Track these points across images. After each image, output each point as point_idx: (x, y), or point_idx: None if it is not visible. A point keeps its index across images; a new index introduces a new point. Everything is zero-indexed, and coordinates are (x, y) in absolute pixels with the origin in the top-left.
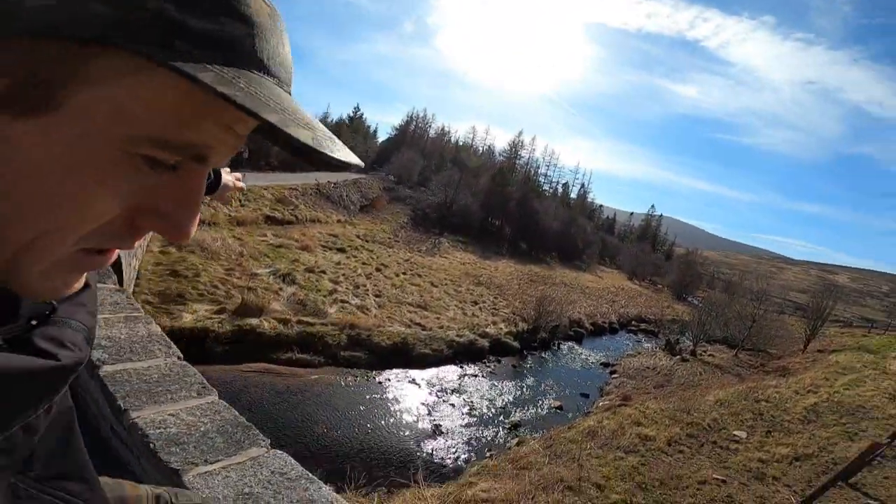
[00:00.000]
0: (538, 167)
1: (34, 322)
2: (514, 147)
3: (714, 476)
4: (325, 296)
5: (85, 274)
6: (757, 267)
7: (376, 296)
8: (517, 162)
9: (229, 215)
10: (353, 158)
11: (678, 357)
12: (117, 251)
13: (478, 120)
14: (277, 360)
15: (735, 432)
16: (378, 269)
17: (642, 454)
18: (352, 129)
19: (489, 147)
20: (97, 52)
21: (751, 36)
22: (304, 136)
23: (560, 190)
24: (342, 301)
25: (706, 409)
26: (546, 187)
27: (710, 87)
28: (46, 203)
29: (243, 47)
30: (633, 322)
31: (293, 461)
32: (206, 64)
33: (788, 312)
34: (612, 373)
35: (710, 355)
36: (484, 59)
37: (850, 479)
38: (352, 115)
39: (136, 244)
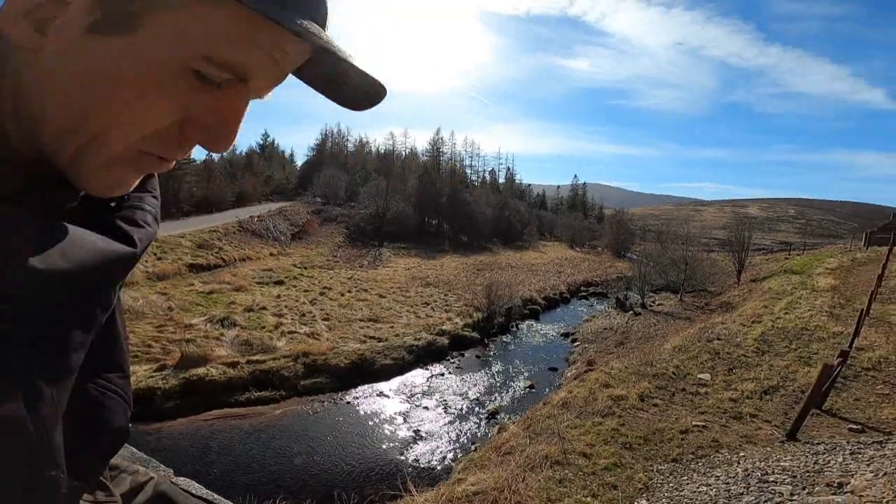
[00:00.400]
0: (462, 160)
1: (113, 204)
2: (435, 145)
3: (694, 423)
4: (270, 331)
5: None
6: (678, 213)
7: (325, 319)
8: (441, 158)
9: (146, 271)
10: (373, 75)
11: (630, 312)
12: (173, 162)
13: (395, 125)
14: (235, 404)
15: (699, 376)
16: (322, 293)
17: (619, 415)
18: (265, 157)
19: (411, 150)
20: None
21: (620, 6)
22: (317, 41)
23: (488, 178)
24: (290, 332)
25: (666, 357)
26: (474, 178)
27: (598, 58)
28: (114, 103)
29: None
30: (581, 288)
31: (197, 485)
32: None
33: (716, 250)
34: (573, 341)
35: (658, 304)
36: (389, 63)
37: (823, 406)
38: (261, 142)
39: (186, 156)
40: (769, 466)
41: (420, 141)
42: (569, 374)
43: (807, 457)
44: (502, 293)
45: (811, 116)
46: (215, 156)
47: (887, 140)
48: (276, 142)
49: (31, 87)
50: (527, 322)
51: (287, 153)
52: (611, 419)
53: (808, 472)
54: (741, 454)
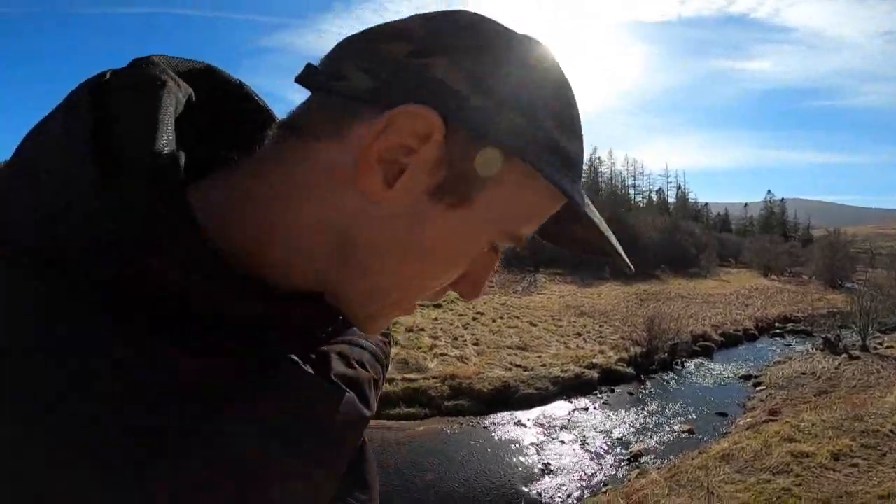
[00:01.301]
0: (624, 180)
1: (329, 329)
2: (592, 165)
3: None
4: (425, 352)
5: None
6: None
7: (474, 344)
8: (599, 179)
9: None
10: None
11: (844, 356)
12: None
13: None
14: (387, 416)
15: None
16: (475, 318)
17: (797, 474)
18: None
19: None
20: (505, 157)
21: None
22: (613, 248)
23: (654, 198)
24: (442, 354)
25: (886, 412)
26: (638, 198)
27: (782, 56)
28: (426, 275)
29: (579, 164)
30: (776, 324)
31: None
32: (567, 178)
33: None
34: (755, 385)
35: (888, 347)
36: None
37: None
38: None
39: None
40: None
41: None
42: (741, 423)
43: None
44: (667, 327)
45: None
46: None
47: None
48: None
49: (356, 242)
50: (696, 360)
51: None
52: (784, 477)
53: None
54: None
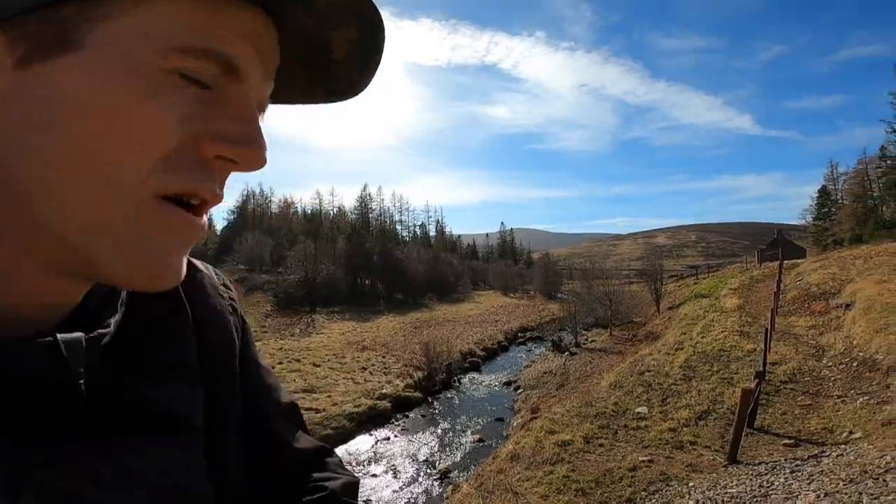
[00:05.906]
0: (392, 216)
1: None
2: (363, 202)
3: (641, 459)
4: None
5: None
6: (598, 249)
7: None
8: (370, 215)
9: None
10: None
11: (566, 353)
12: (205, 216)
13: (322, 181)
14: None
15: (637, 409)
16: None
17: (568, 461)
18: None
19: (339, 208)
20: None
21: (532, 52)
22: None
23: (418, 232)
24: None
25: (604, 395)
26: (404, 234)
27: (515, 104)
28: (93, 139)
29: None
30: (518, 334)
31: None
32: None
33: (636, 280)
34: (516, 389)
35: (591, 341)
36: (316, 122)
37: (755, 425)
38: None
39: (221, 187)
40: (718, 495)
41: (348, 198)
42: (515, 424)
43: (751, 479)
44: (441, 349)
45: (696, 146)
46: None
47: (759, 163)
48: None
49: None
50: (469, 375)
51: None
52: (560, 466)
53: (755, 496)
54: (690, 484)
